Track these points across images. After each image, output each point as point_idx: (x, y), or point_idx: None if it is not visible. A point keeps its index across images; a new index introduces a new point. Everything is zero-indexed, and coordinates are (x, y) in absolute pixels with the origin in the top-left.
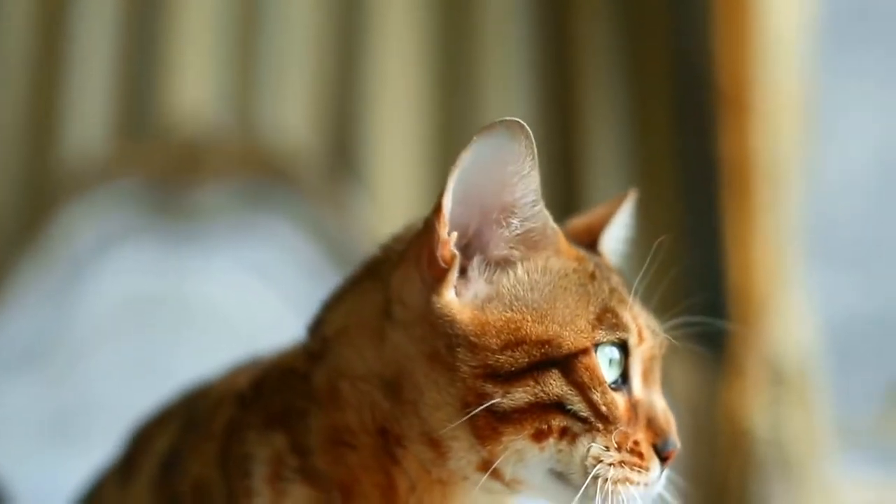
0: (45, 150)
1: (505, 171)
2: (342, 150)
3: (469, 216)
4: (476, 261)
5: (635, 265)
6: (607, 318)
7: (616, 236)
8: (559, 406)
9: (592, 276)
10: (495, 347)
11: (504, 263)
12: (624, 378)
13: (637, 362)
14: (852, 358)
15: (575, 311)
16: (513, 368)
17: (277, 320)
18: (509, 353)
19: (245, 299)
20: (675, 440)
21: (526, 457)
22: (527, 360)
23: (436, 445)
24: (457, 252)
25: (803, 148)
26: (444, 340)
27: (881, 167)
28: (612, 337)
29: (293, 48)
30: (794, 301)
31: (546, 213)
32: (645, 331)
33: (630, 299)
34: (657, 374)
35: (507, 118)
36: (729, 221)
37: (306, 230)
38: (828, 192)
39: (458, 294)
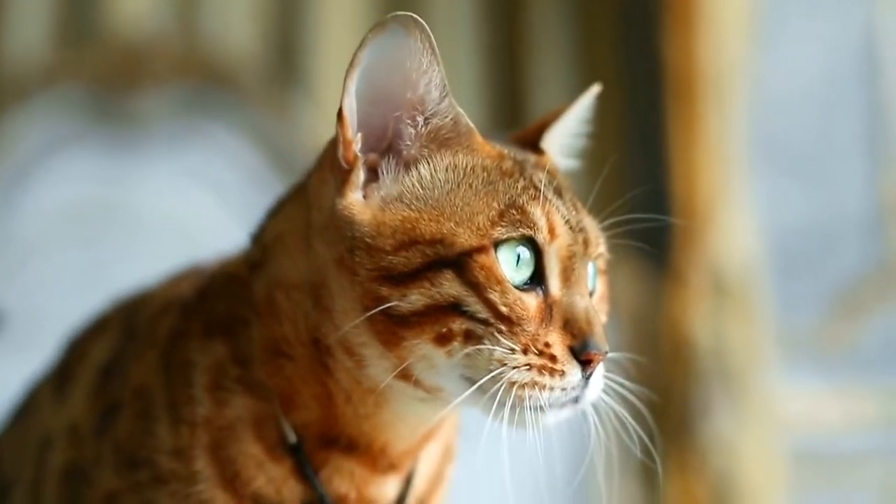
0: None
1: (403, 68)
2: (285, 57)
3: (376, 116)
4: (387, 161)
5: (580, 173)
6: (511, 214)
7: (570, 131)
8: (457, 308)
9: (506, 173)
10: (389, 248)
11: (412, 162)
12: (539, 278)
13: (553, 261)
14: (794, 268)
15: (476, 209)
16: (407, 270)
17: (220, 227)
18: (403, 253)
19: (187, 206)
20: (598, 342)
21: (435, 363)
22: (420, 260)
23: (351, 353)
24: (359, 153)
25: (748, 57)
26: (347, 243)
27: (827, 78)
28: (512, 234)
29: None
30: (738, 211)
31: (457, 109)
32: (560, 227)
33: (553, 196)
34: (581, 274)
35: (400, 13)
36: (673, 131)
37: (249, 137)
38: (773, 102)
39: (367, 196)
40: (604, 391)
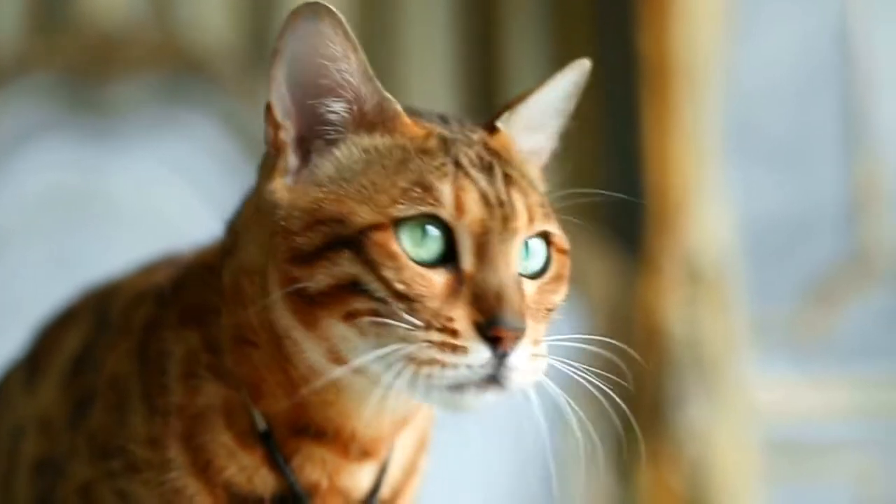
0: None
1: (319, 56)
2: (261, 45)
3: (301, 103)
4: (315, 146)
5: (554, 163)
6: (414, 191)
7: (548, 108)
8: (357, 287)
9: (425, 152)
10: (297, 229)
11: (332, 146)
12: (452, 254)
13: (464, 237)
14: (768, 257)
15: (380, 188)
16: (310, 250)
17: (195, 215)
18: (308, 233)
19: (162, 194)
20: (509, 318)
21: (353, 342)
22: (321, 239)
23: (288, 338)
24: (286, 140)
25: (723, 46)
26: (270, 227)
27: (802, 67)
28: (412, 211)
29: None
30: (712, 200)
31: (381, 92)
32: (470, 203)
33: (474, 172)
34: (501, 251)
35: (310, 1)
36: (647, 120)
37: (224, 125)
38: (748, 92)
39: (294, 182)
40: (552, 379)
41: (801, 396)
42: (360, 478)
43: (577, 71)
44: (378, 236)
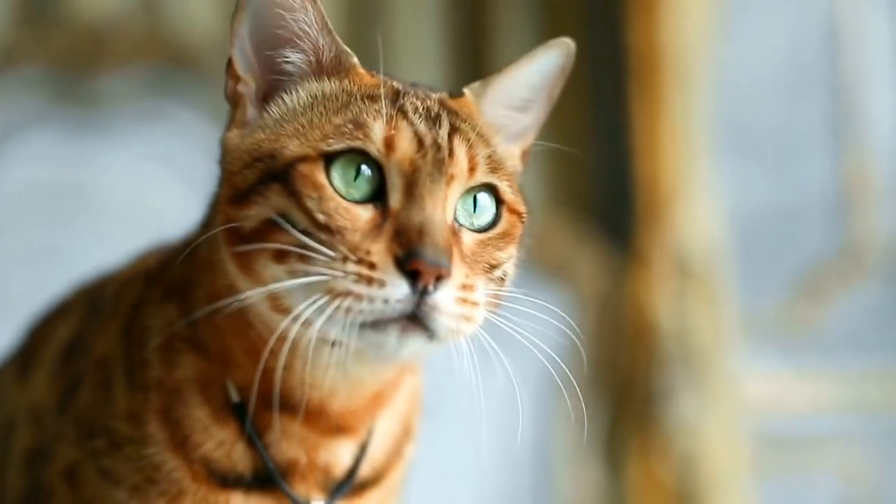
0: None
1: (278, 6)
2: None
3: (261, 55)
4: (273, 98)
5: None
6: (346, 128)
7: (525, 85)
8: (286, 219)
9: (370, 97)
10: (236, 169)
11: (283, 92)
12: (382, 193)
13: (394, 175)
14: (758, 251)
15: (315, 125)
16: (245, 187)
17: (183, 207)
18: (245, 171)
19: (150, 187)
20: (428, 253)
21: (286, 284)
22: (255, 175)
23: (233, 290)
24: (244, 93)
25: (712, 40)
26: (221, 176)
27: (791, 62)
28: (340, 145)
29: None
30: (701, 194)
31: (339, 44)
32: (402, 142)
33: (413, 116)
34: (430, 190)
35: None
36: (637, 113)
37: (211, 117)
38: (737, 86)
39: (252, 132)
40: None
41: (790, 390)
42: (338, 454)
43: (559, 51)
44: (304, 167)
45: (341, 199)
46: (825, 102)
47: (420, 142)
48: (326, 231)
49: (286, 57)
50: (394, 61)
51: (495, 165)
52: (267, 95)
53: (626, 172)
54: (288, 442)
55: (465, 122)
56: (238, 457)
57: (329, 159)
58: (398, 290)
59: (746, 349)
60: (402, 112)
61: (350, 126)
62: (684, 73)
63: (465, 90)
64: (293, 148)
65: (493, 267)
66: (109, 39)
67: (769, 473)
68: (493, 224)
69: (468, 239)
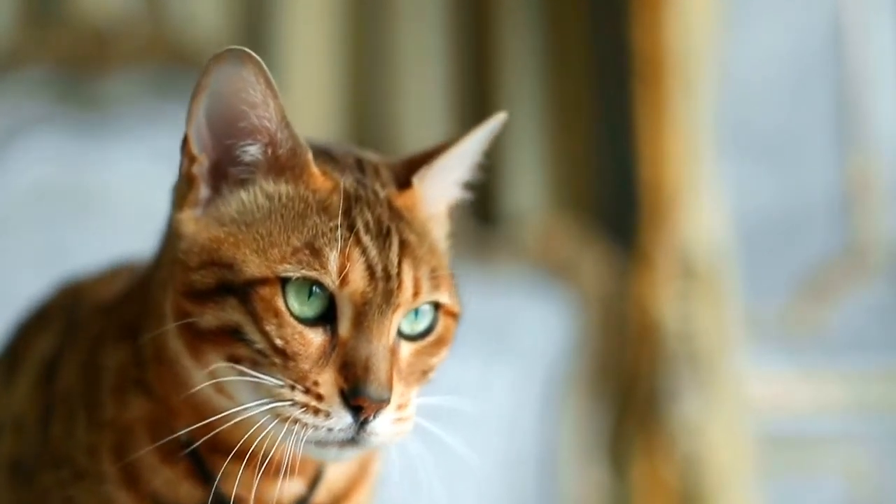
0: None
1: (238, 99)
2: (252, 39)
3: (217, 140)
4: (227, 182)
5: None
6: (304, 253)
7: (464, 160)
8: (239, 334)
9: (325, 209)
10: (194, 265)
11: (241, 187)
12: (332, 315)
13: (345, 304)
14: (762, 251)
15: (275, 241)
16: (202, 288)
17: None
18: (203, 272)
19: (154, 188)
20: (372, 391)
21: (235, 384)
22: (213, 281)
23: (179, 363)
24: (197, 173)
25: (716, 40)
26: (172, 255)
27: (795, 61)
28: (297, 273)
29: None
30: (705, 194)
31: (296, 138)
32: (355, 274)
33: (367, 240)
34: (377, 321)
35: (234, 47)
36: (641, 114)
37: None
38: (741, 86)
39: (205, 213)
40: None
41: (794, 390)
42: (286, 490)
43: (495, 123)
44: (264, 291)
45: (297, 322)
46: (829, 103)
47: (372, 273)
48: (281, 355)
49: (243, 148)
50: (397, 63)
51: (438, 279)
52: (222, 179)
53: (630, 173)
54: (233, 481)
55: (413, 229)
56: (185, 494)
57: (286, 280)
58: (342, 420)
59: (750, 349)
60: (356, 235)
61: (307, 253)
62: (688, 74)
63: (414, 180)
64: (253, 268)
65: (426, 373)
66: (114, 40)
67: (773, 473)
68: (429, 329)
69: (405, 352)
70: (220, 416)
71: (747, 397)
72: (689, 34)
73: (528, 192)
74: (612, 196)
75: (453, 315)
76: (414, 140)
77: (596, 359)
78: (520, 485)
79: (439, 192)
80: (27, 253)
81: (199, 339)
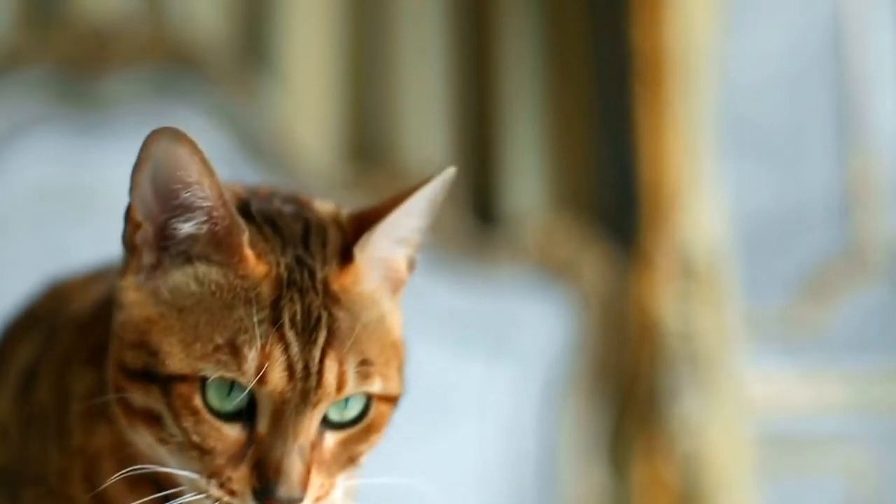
0: None
1: (175, 179)
2: (253, 39)
3: (155, 214)
4: (168, 251)
5: (546, 155)
6: (223, 352)
7: (411, 220)
8: (162, 422)
9: (253, 300)
10: (127, 342)
11: (176, 265)
12: (252, 411)
13: (264, 402)
14: (762, 251)
15: (200, 334)
16: (132, 369)
17: None
18: (133, 352)
19: None
20: (282, 492)
21: (164, 459)
22: (141, 365)
23: (116, 419)
24: (140, 240)
25: (716, 40)
26: (113, 319)
27: (795, 61)
28: (215, 374)
29: None
30: (706, 194)
31: (233, 217)
32: (273, 375)
33: (291, 336)
34: (295, 421)
35: (169, 126)
36: (641, 113)
37: (216, 119)
38: (741, 85)
39: (147, 280)
40: None
41: (794, 390)
42: None
43: (443, 180)
44: (183, 388)
45: (215, 419)
46: (830, 102)
47: (291, 372)
48: (198, 449)
49: (179, 225)
50: (397, 64)
51: (370, 368)
52: (164, 251)
53: (630, 173)
54: None
55: (350, 310)
56: None
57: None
58: None
59: (751, 349)
60: (280, 330)
61: (227, 351)
62: (689, 73)
63: (356, 251)
64: (175, 363)
65: (353, 460)
66: (114, 40)
67: (773, 474)
68: (360, 417)
69: (330, 441)
70: (158, 468)
71: (747, 397)
72: (689, 34)
73: (528, 192)
74: (612, 196)
75: (390, 399)
76: (414, 140)
77: (596, 359)
78: (520, 485)
79: (388, 253)
80: (27, 253)
81: (132, 414)
